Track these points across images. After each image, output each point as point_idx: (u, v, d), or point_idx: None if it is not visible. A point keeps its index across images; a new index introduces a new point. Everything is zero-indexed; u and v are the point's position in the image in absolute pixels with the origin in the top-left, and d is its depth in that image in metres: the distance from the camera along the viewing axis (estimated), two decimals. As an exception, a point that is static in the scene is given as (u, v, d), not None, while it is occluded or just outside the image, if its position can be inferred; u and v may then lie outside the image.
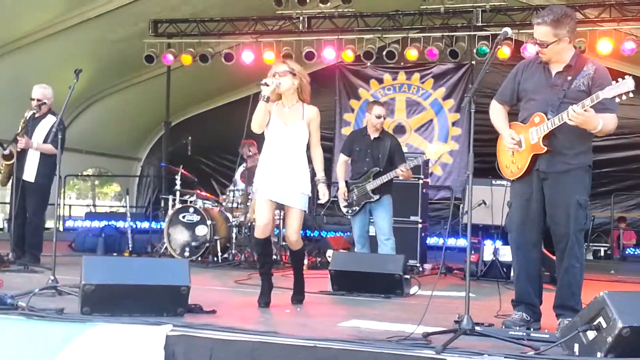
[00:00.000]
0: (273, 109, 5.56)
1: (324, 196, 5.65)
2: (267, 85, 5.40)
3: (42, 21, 12.21)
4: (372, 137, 7.77)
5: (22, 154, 7.87)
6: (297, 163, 5.49)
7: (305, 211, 5.61)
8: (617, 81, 4.27)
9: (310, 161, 5.67)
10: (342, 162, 7.87)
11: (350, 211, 7.67)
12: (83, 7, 12.21)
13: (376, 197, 7.53)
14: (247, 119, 5.58)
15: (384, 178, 7.51)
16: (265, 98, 5.40)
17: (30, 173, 7.85)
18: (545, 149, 4.57)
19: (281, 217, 8.32)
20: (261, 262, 5.74)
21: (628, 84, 4.20)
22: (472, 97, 4.25)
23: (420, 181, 8.92)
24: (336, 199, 7.73)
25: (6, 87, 12.24)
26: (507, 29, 4.58)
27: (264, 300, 5.46)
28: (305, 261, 8.07)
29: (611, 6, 11.81)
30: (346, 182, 7.71)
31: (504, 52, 12.04)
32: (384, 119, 7.82)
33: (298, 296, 5.71)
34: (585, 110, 4.34)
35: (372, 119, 7.74)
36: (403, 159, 7.70)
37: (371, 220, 7.74)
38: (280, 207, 5.78)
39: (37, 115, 8.00)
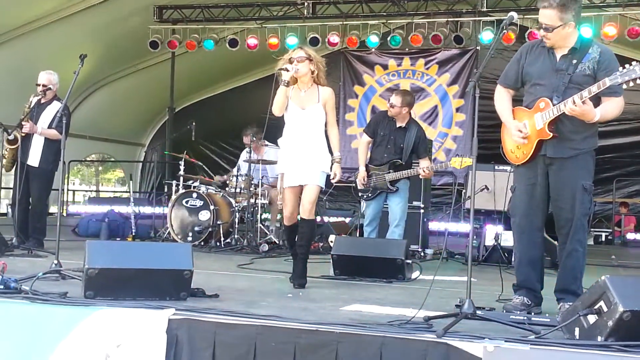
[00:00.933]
0: (290, 93, 5.78)
1: (335, 176, 5.83)
2: (287, 71, 5.63)
3: (48, 7, 12.22)
4: (397, 125, 7.66)
5: (27, 139, 7.89)
6: (315, 144, 5.76)
7: (322, 187, 5.84)
8: (624, 67, 4.24)
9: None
10: (364, 143, 7.77)
11: (365, 196, 7.65)
12: (87, -7, 12.23)
13: (394, 189, 7.51)
14: (270, 103, 5.75)
15: (404, 174, 7.46)
16: (285, 83, 5.64)
17: (34, 158, 7.87)
18: (551, 134, 4.55)
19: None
20: (290, 244, 6.13)
21: (636, 70, 4.16)
22: (477, 82, 4.24)
23: (424, 166, 8.89)
24: (352, 183, 7.70)
25: (12, 73, 12.26)
26: (513, 13, 4.53)
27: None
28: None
29: (616, -9, 11.78)
30: (366, 166, 7.63)
31: (510, 36, 11.99)
32: (401, 108, 7.56)
33: (300, 280, 5.75)
34: (583, 102, 4.33)
35: (389, 107, 7.69)
36: (427, 151, 7.65)
37: (385, 205, 7.72)
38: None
39: (42, 101, 8.02)
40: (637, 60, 4.24)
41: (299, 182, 5.75)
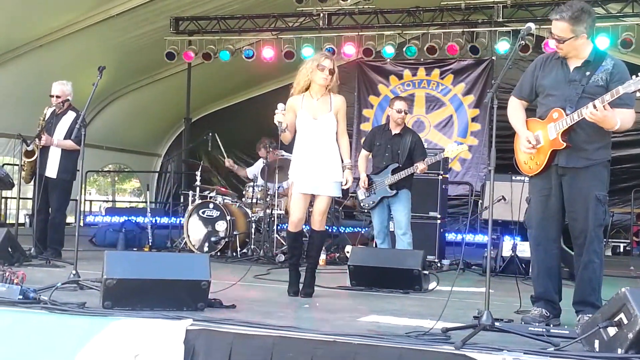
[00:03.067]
0: (301, 102, 5.82)
1: (347, 182, 5.86)
2: (281, 122, 5.71)
3: (66, 19, 12.30)
4: (392, 133, 7.84)
5: (44, 151, 7.97)
6: (328, 153, 5.78)
7: (335, 197, 6.03)
8: (637, 75, 4.23)
9: None
10: (363, 157, 8.02)
11: (367, 205, 7.76)
12: (105, 5, 12.29)
13: (393, 192, 7.61)
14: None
15: (402, 174, 7.58)
16: (284, 130, 5.74)
17: (52, 169, 7.94)
18: (564, 144, 4.55)
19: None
20: (291, 253, 6.13)
21: (650, 79, 4.16)
22: (495, 92, 4.24)
23: (440, 177, 8.92)
24: (355, 194, 7.85)
25: (30, 85, 12.33)
26: (531, 24, 4.54)
27: (293, 290, 5.81)
28: (324, 256, 8.15)
29: (634, 1, 11.71)
30: (367, 175, 7.81)
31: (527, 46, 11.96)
32: (405, 113, 7.89)
33: (307, 289, 5.81)
34: (604, 107, 4.31)
35: (393, 113, 7.80)
36: (424, 155, 7.72)
37: (391, 216, 7.77)
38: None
39: (58, 112, 8.08)
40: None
41: (312, 191, 5.79)
